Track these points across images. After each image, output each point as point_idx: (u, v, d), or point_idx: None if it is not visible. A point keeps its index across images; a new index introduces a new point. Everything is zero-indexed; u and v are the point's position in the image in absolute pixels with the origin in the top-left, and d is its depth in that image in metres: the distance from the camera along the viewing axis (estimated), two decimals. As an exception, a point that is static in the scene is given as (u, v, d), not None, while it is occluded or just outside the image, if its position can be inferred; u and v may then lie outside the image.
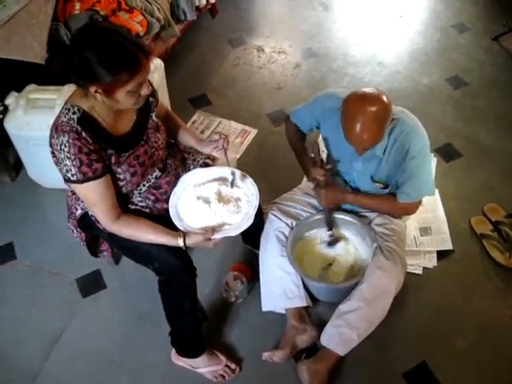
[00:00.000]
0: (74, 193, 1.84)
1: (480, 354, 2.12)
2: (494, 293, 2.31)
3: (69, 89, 2.41)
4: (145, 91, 1.60)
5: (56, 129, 1.61)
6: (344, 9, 4.08)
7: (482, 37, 3.72)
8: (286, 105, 3.22)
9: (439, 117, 3.13)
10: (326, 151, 2.15)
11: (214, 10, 3.76)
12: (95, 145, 1.61)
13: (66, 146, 1.57)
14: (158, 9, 3.02)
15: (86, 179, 1.61)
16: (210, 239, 1.71)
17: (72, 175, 1.61)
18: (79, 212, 1.86)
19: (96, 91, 1.53)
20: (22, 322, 2.25)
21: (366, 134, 1.72)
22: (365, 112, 1.69)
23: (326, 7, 4.08)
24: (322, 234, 2.22)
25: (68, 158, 1.58)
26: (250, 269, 2.35)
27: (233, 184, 1.86)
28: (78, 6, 2.73)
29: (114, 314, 2.28)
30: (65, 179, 1.66)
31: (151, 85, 1.84)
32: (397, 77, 3.43)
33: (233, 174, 1.87)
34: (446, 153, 2.91)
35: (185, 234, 1.71)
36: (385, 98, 1.73)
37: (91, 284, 2.37)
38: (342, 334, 1.96)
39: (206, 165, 2.04)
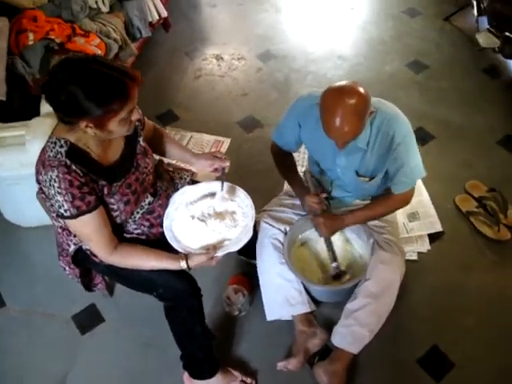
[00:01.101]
0: (64, 229, 1.76)
1: (489, 328, 2.15)
2: (490, 266, 2.36)
3: (36, 123, 2.33)
4: (135, 116, 1.56)
5: (43, 164, 1.54)
6: (296, 7, 4.09)
7: (434, 19, 3.80)
8: (254, 110, 3.21)
9: (406, 102, 3.14)
10: (307, 153, 2.13)
11: (166, 23, 3.70)
12: (86, 177, 1.55)
13: (55, 182, 1.51)
14: (114, 29, 2.97)
15: (79, 213, 1.55)
16: (212, 257, 1.67)
17: (65, 211, 1.55)
18: (72, 248, 1.79)
19: (87, 126, 1.47)
20: (24, 371, 2.15)
21: (346, 127, 1.69)
22: (344, 105, 1.67)
23: (278, 8, 4.08)
24: (315, 234, 2.18)
25: (59, 193, 1.52)
26: (248, 280, 2.32)
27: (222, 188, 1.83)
28: (31, 36, 2.66)
29: (116, 347, 2.21)
30: (57, 215, 1.60)
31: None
32: (359, 68, 3.46)
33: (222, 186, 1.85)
34: (419, 137, 2.93)
35: (186, 256, 1.67)
36: (362, 90, 1.71)
37: (88, 319, 2.29)
38: (353, 333, 1.96)
39: (194, 182, 2.01)
